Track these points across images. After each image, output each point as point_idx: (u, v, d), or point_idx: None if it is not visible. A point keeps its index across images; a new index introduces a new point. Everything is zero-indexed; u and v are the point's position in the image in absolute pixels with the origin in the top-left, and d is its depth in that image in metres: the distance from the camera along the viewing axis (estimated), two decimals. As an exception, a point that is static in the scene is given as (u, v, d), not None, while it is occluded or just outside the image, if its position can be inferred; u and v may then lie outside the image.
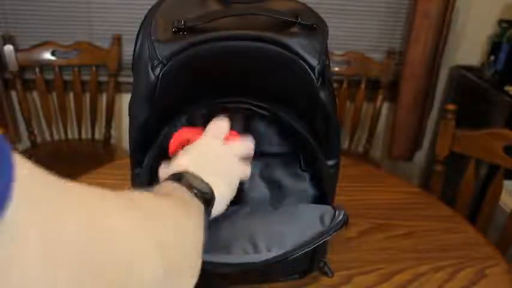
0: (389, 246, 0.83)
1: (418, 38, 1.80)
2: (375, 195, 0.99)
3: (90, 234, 0.25)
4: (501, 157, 1.18)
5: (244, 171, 0.57)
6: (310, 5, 0.61)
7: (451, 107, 1.25)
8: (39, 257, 0.21)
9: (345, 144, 1.96)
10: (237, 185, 0.55)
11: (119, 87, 1.87)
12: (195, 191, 0.46)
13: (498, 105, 1.67)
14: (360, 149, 2.03)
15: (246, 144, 0.58)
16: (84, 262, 0.24)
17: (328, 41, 0.60)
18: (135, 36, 0.59)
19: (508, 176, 1.21)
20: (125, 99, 1.91)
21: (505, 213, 1.35)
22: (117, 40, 1.80)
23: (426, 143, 2.09)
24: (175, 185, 0.46)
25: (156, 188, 0.46)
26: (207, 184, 0.48)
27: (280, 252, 0.60)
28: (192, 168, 0.49)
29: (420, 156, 2.12)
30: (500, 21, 1.82)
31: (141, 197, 0.37)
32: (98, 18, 1.82)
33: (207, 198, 0.47)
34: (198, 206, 0.45)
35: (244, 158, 0.58)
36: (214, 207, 0.49)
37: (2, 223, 0.19)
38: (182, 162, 0.51)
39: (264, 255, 0.59)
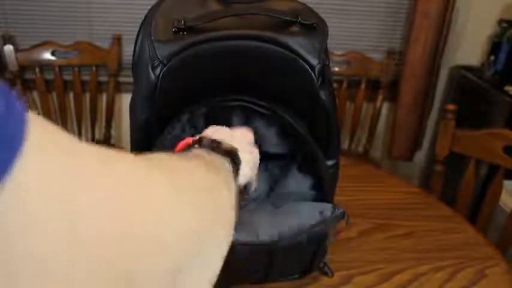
0: (389, 246, 0.83)
1: (418, 38, 1.80)
2: (375, 195, 0.99)
3: (112, 202, 0.23)
4: (501, 157, 1.18)
5: (256, 154, 0.54)
6: (310, 5, 0.61)
7: (451, 107, 1.25)
8: (50, 224, 0.19)
9: (345, 144, 1.96)
10: (256, 167, 0.52)
11: (119, 87, 1.87)
12: (218, 150, 0.43)
13: (498, 105, 1.67)
14: (360, 149, 2.03)
15: (247, 132, 0.56)
16: (106, 233, 0.22)
17: (328, 41, 0.60)
18: (135, 36, 0.59)
19: (508, 176, 1.21)
20: (125, 99, 1.91)
21: (505, 213, 1.35)
22: (117, 40, 1.80)
23: (426, 143, 2.09)
24: (196, 148, 0.43)
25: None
26: (230, 144, 0.45)
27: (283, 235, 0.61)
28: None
29: (420, 156, 2.12)
30: (500, 21, 1.82)
31: (165, 157, 0.35)
32: (98, 18, 1.82)
33: (232, 157, 0.44)
34: (223, 163, 0.43)
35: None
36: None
37: (11, 174, 0.18)
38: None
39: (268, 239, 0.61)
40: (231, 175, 0.42)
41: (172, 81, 0.57)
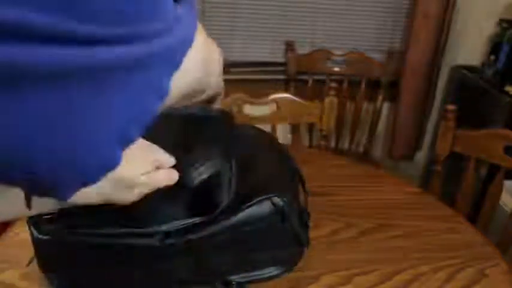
0: (389, 246, 0.83)
1: (418, 38, 1.80)
2: (375, 195, 0.99)
3: None
4: (501, 157, 1.18)
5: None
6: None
7: (451, 107, 1.25)
8: None
9: (345, 144, 1.96)
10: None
11: (119, 87, 1.87)
12: None
13: (498, 105, 1.67)
14: (360, 149, 2.03)
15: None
16: None
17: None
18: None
19: (508, 176, 1.21)
20: (125, 99, 1.92)
21: (505, 213, 1.35)
22: (117, 40, 1.79)
23: (426, 143, 2.09)
24: None
25: None
26: None
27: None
28: None
29: (420, 156, 2.12)
30: (500, 21, 1.82)
31: None
32: (98, 18, 1.82)
33: None
34: None
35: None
36: None
37: None
38: None
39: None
40: None
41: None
